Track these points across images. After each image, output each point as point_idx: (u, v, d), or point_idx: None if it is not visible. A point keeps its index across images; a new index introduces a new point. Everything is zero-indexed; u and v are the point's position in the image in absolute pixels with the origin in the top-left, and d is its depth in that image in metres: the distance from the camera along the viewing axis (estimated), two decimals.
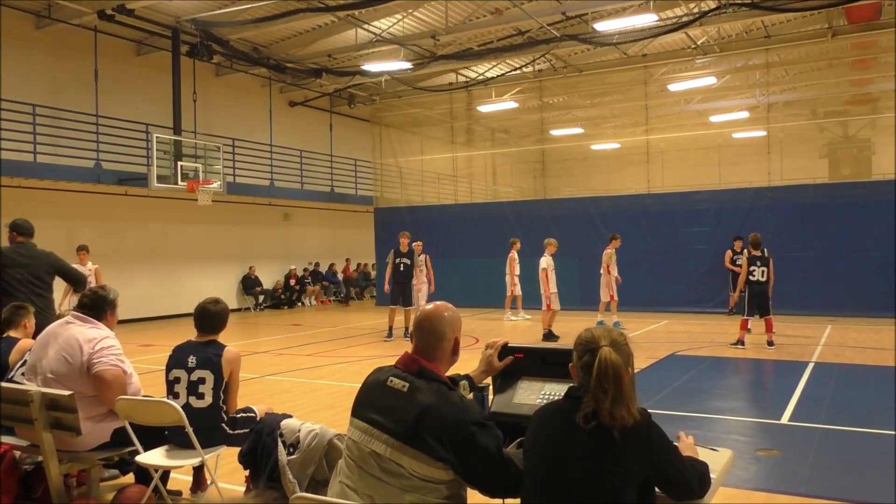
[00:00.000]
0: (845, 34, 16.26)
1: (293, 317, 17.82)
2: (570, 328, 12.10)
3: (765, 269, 10.56)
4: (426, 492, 2.33)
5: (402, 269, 12.32)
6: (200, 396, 3.87)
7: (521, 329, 12.63)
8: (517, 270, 14.98)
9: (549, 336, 11.80)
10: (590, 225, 17.16)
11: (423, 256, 12.91)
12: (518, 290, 15.16)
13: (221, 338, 4.12)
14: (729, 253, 14.87)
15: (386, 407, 2.42)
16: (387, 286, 12.39)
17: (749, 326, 11.30)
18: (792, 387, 7.78)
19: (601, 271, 13.45)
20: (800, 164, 19.90)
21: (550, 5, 14.90)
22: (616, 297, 13.43)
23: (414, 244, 12.69)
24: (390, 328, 12.46)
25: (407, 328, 12.09)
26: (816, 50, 17.99)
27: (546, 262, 12.15)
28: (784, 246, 14.48)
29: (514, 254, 14.92)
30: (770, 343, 10.59)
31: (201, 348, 3.97)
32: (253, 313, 18.96)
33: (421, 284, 12.81)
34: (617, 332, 2.35)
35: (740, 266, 11.29)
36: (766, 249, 10.84)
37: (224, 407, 3.95)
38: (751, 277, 10.61)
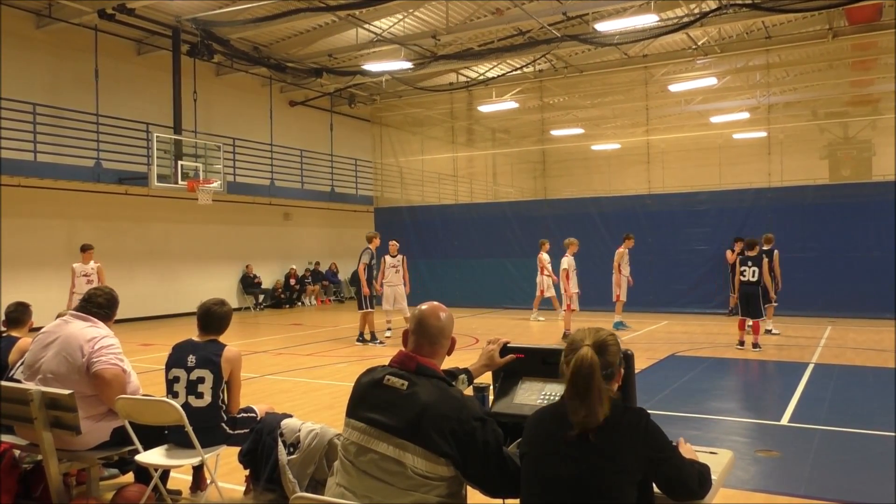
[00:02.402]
0: (846, 35, 16.26)
1: (293, 316, 17.81)
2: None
3: (756, 269, 10.57)
4: (427, 490, 2.32)
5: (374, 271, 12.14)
6: (200, 396, 3.86)
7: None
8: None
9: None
10: (590, 225, 17.13)
11: (399, 257, 12.65)
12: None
13: (222, 337, 4.12)
14: (729, 253, 14.87)
15: (385, 405, 2.41)
16: (379, 287, 12.10)
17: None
18: (792, 388, 7.77)
19: (613, 270, 13.44)
20: (800, 164, 19.88)
21: (551, 5, 14.89)
22: (623, 298, 13.40)
23: (391, 243, 12.47)
24: (379, 332, 12.19)
25: (373, 331, 11.89)
26: (817, 51, 17.98)
27: (567, 262, 12.18)
28: (784, 247, 14.40)
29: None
30: (755, 345, 10.56)
31: (201, 347, 3.96)
32: (253, 313, 18.95)
33: (398, 285, 12.46)
34: (606, 332, 2.33)
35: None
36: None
37: (224, 406, 3.95)
38: (742, 278, 10.70)
